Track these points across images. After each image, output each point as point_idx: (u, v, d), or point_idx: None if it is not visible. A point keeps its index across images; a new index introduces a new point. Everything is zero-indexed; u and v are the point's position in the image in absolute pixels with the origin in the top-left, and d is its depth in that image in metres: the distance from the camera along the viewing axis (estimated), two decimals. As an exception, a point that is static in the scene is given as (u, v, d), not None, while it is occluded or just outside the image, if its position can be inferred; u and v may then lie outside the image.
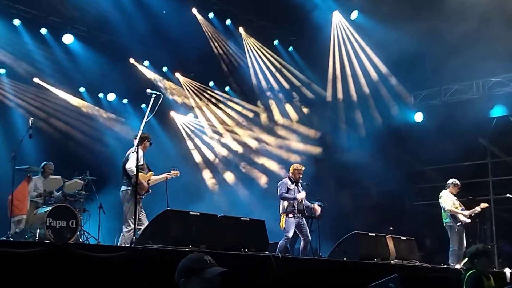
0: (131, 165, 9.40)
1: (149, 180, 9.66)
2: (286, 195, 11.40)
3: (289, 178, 11.65)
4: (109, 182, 10.71)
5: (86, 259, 6.17)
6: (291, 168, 11.85)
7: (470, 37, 14.05)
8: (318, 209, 12.16)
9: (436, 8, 14.41)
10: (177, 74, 17.92)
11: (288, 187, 11.49)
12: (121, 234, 9.61)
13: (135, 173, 9.15)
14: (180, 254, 7.11)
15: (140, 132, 8.92)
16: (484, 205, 13.22)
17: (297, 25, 16.54)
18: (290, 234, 11.23)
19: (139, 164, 9.20)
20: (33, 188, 11.79)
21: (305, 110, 18.71)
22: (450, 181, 13.14)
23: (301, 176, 11.70)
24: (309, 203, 12.04)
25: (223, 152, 18.50)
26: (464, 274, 7.37)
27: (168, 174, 10.05)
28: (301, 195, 11.52)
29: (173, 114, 18.46)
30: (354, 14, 15.97)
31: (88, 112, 16.71)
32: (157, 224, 7.95)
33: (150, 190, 9.74)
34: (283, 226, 11.34)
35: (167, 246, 7.32)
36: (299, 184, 11.68)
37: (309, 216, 13.45)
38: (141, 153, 9.50)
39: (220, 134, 18.75)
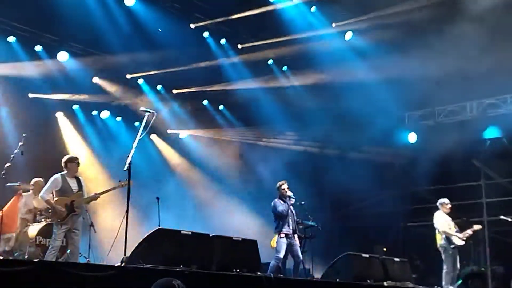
0: (41, 192, 9.81)
1: (73, 201, 9.63)
2: (279, 209, 11.36)
3: (279, 197, 11.64)
4: (100, 201, 10.63)
5: (76, 278, 6.11)
6: (276, 188, 11.82)
7: (464, 58, 14.13)
8: None
9: (431, 29, 14.50)
10: (172, 92, 17.93)
11: (281, 204, 11.48)
12: None
13: (44, 200, 9.65)
14: (171, 274, 7.03)
15: (132, 151, 8.86)
16: (477, 227, 13.21)
17: (290, 44, 16.57)
18: (281, 255, 11.16)
19: (57, 189, 9.64)
20: (23, 205, 11.71)
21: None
22: (439, 201, 13.19)
23: (286, 191, 11.62)
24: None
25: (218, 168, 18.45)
26: (458, 297, 7.32)
27: (95, 194, 10.02)
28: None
29: (170, 131, 18.54)
30: (349, 35, 16.03)
31: (81, 130, 16.69)
32: (148, 243, 7.87)
33: (77, 210, 9.70)
34: (274, 245, 11.28)
35: (158, 266, 7.24)
36: (289, 200, 11.61)
37: (302, 236, 13.40)
38: (58, 177, 9.74)
39: (216, 151, 18.77)
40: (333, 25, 15.78)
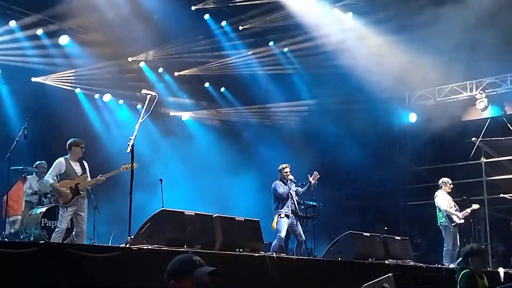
0: (45, 176, 9.98)
1: (78, 184, 9.76)
2: (279, 191, 11.46)
3: (280, 179, 11.73)
4: (105, 183, 10.72)
5: (81, 260, 6.18)
6: (278, 170, 11.91)
7: (464, 38, 14.11)
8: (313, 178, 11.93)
9: (430, 10, 14.46)
10: (173, 74, 17.94)
11: (281, 186, 11.58)
12: None
13: (49, 183, 9.80)
14: (175, 255, 7.11)
15: (134, 133, 8.92)
16: (475, 206, 13.38)
17: (292, 26, 16.52)
18: (283, 234, 11.28)
19: (61, 172, 9.78)
20: (28, 188, 11.83)
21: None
22: (441, 180, 13.30)
23: (288, 174, 11.74)
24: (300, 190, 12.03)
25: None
26: (458, 274, 7.43)
27: (100, 177, 10.08)
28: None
29: (172, 113, 18.61)
30: (349, 16, 15.98)
31: (84, 113, 16.74)
32: (152, 224, 7.96)
33: (82, 193, 9.82)
34: (275, 226, 11.39)
35: (162, 246, 7.32)
36: (291, 183, 11.71)
37: (304, 216, 13.51)
38: (62, 160, 9.85)
39: (218, 132, 18.84)
40: (335, 5, 15.76)
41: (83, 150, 10.08)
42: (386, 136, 17.83)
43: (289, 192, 11.60)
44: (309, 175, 11.82)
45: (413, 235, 16.48)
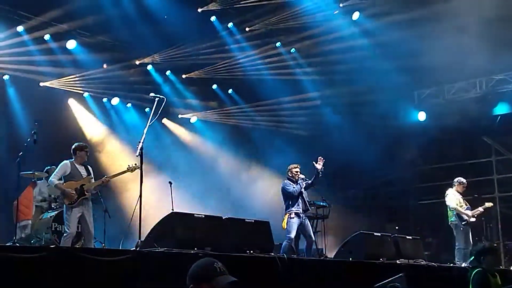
0: (50, 177, 10.02)
1: (83, 185, 9.77)
2: (290, 189, 11.39)
3: (289, 179, 11.66)
4: (114, 187, 10.75)
5: (92, 263, 6.19)
6: (287, 170, 11.85)
7: (473, 34, 14.03)
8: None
9: (439, 6, 14.39)
10: (181, 76, 17.95)
11: (291, 184, 11.51)
12: None
13: (54, 184, 9.79)
14: (186, 257, 7.13)
15: (143, 137, 8.94)
16: (488, 204, 13.24)
17: (298, 26, 16.50)
18: (293, 235, 11.18)
19: (66, 174, 9.78)
20: (38, 193, 11.87)
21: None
22: (455, 179, 13.20)
23: (298, 173, 11.66)
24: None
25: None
26: (470, 272, 7.37)
27: (105, 178, 10.17)
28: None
29: (180, 116, 18.64)
30: (356, 15, 15.94)
31: (92, 117, 16.79)
32: (162, 227, 7.96)
33: (87, 194, 9.82)
34: (285, 226, 11.32)
35: (172, 249, 7.32)
36: (302, 182, 11.63)
37: (314, 216, 13.47)
38: (67, 163, 9.89)
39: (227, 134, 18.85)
40: (340, 5, 15.71)
41: (88, 154, 10.14)
42: (395, 135, 17.75)
43: (300, 191, 11.52)
44: (314, 162, 11.74)
45: (424, 234, 16.42)
